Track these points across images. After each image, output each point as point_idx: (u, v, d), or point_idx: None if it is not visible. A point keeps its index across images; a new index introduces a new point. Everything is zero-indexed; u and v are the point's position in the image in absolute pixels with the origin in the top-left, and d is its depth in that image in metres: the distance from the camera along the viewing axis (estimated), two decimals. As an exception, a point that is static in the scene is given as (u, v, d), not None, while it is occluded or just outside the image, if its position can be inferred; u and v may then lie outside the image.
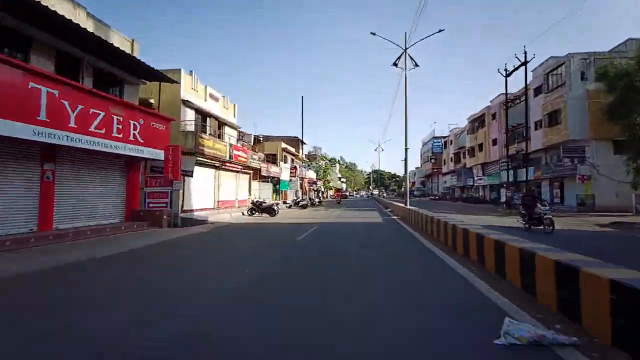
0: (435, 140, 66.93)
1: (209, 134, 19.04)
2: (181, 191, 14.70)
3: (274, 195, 29.94)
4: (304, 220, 16.72)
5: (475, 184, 44.86)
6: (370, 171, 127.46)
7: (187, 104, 17.49)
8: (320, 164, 47.83)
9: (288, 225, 14.96)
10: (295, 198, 31.08)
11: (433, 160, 66.70)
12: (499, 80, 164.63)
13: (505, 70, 27.44)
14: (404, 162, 24.50)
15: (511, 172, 34.38)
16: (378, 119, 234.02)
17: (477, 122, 43.23)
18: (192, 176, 16.07)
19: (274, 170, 27.61)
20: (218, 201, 20.01)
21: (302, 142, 41.92)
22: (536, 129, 29.95)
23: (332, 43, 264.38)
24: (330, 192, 72.89)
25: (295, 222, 16.26)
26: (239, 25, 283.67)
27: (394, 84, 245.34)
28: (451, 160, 56.75)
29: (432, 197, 57.82)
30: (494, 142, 38.63)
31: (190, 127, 17.30)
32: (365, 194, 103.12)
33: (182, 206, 15.38)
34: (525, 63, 24.79)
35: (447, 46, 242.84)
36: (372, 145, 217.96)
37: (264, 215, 19.45)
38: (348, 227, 14.36)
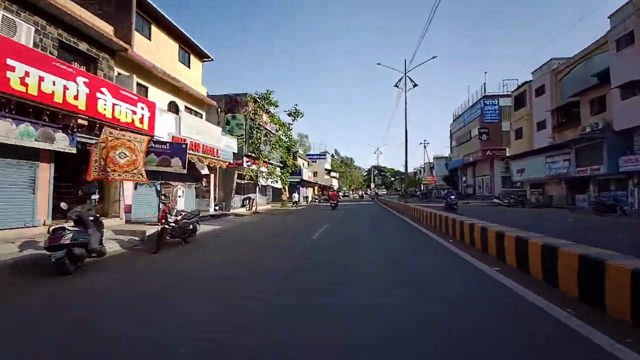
0: (487, 102, 38.59)
1: None
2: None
3: None
4: None
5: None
6: (371, 167, 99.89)
7: None
8: (256, 119, 19.02)
9: None
10: None
11: (485, 136, 38.28)
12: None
13: None
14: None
15: None
16: (380, 113, 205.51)
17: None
18: None
19: None
20: None
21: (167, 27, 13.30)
22: None
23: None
24: (306, 191, 44.30)
25: None
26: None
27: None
28: (539, 128, 28.47)
29: (498, 200, 28.91)
30: None
31: None
32: (368, 194, 74.28)
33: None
34: None
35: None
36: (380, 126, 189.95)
37: None
38: None
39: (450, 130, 53.12)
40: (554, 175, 25.33)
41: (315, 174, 52.37)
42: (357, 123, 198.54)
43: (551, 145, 25.95)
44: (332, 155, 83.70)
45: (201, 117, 15.89)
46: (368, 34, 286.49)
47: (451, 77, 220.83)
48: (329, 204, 25.48)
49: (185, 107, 14.74)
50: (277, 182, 19.98)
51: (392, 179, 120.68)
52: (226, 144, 15.84)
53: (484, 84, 38.85)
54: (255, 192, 19.19)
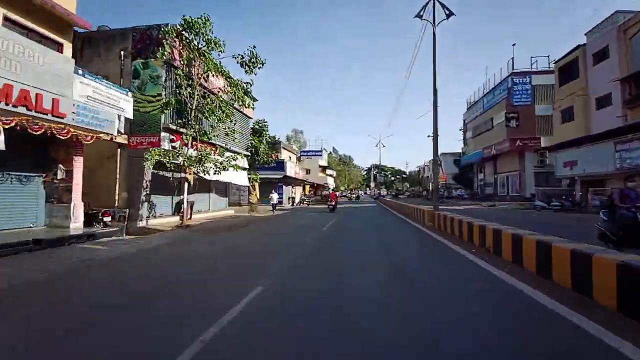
0: (516, 80, 31.18)
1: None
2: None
3: None
4: None
5: None
6: (372, 165, 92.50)
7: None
8: (182, 67, 11.29)
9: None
10: None
11: (514, 122, 30.95)
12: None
13: None
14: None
15: None
16: (383, 104, 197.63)
17: None
18: None
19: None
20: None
21: None
22: None
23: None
24: (293, 191, 36.82)
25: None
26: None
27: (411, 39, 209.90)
28: (599, 106, 21.13)
29: (541, 203, 21.44)
30: None
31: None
32: (368, 194, 66.88)
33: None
34: None
35: None
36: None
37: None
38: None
39: (464, 120, 45.67)
40: (632, 167, 17.90)
41: (308, 171, 45.08)
42: (357, 123, 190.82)
43: (623, 127, 18.58)
44: (330, 153, 76.07)
45: (59, 51, 8.40)
46: (368, 33, 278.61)
47: (451, 67, 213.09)
48: (326, 205, 22.58)
49: (9, 19, 7.28)
50: (219, 173, 12.25)
51: (393, 178, 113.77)
52: (96, 97, 8.35)
53: (512, 59, 31.43)
54: (184, 192, 11.56)
